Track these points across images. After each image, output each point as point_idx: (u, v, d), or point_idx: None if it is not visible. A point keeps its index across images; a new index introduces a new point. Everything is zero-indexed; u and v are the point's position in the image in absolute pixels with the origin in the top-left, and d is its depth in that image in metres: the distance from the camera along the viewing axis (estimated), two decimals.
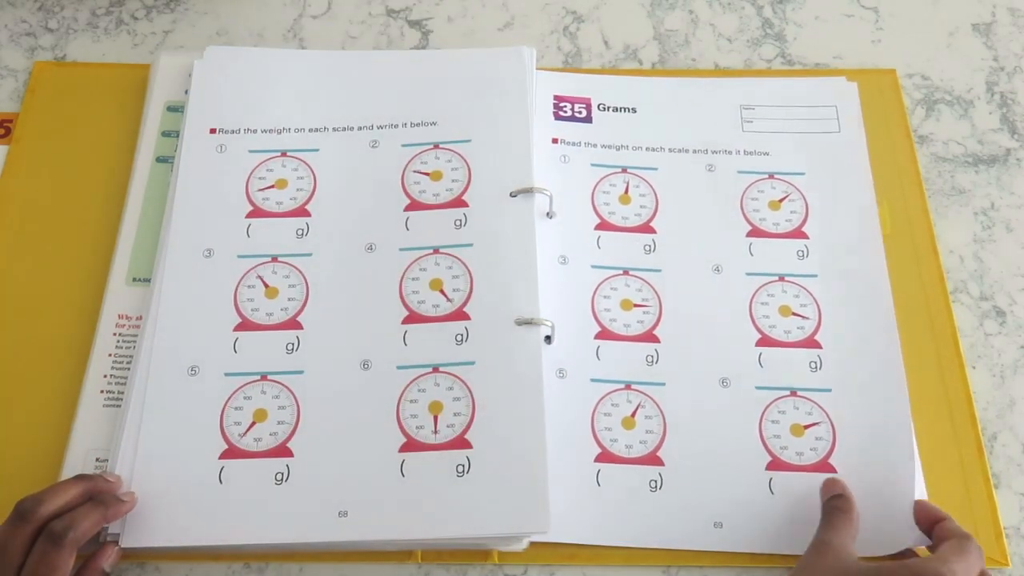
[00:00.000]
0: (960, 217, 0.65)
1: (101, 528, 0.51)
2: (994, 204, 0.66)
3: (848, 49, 0.71)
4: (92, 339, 0.59)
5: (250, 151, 0.64)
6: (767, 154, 0.66)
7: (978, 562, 0.47)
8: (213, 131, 0.64)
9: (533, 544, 0.54)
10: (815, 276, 0.61)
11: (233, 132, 0.64)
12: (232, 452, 0.55)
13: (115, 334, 0.59)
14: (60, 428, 0.56)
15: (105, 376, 0.58)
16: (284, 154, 0.64)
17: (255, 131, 0.65)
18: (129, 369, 0.57)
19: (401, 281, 0.59)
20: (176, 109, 0.66)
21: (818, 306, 0.60)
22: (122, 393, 0.57)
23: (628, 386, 0.58)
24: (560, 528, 0.53)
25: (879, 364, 0.58)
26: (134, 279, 0.61)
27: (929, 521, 0.52)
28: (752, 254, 0.62)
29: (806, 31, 0.72)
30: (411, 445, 0.54)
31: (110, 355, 0.58)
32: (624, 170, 0.65)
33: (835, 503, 0.52)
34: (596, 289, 0.61)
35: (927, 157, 0.67)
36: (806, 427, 0.57)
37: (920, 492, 0.54)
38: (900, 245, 0.63)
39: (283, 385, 0.57)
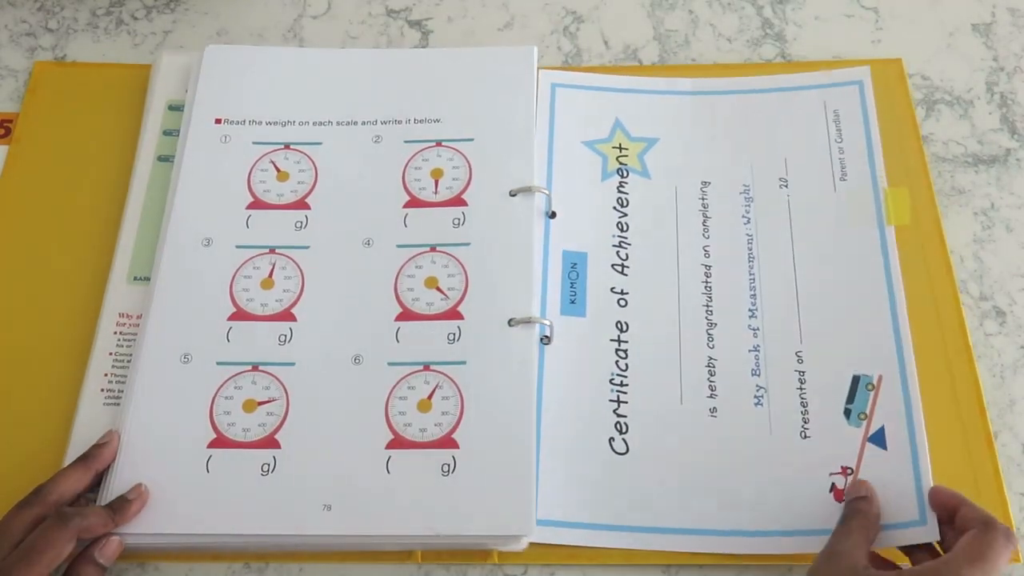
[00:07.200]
0: (960, 217, 0.65)
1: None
2: (994, 204, 0.65)
3: (848, 49, 0.71)
4: (93, 338, 0.59)
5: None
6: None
7: (1003, 551, 0.45)
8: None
9: (533, 544, 0.53)
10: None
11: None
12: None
13: (116, 333, 0.59)
14: (60, 426, 0.56)
15: (105, 375, 0.58)
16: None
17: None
18: (129, 367, 0.57)
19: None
20: (178, 108, 0.66)
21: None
22: (122, 391, 0.57)
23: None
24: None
25: (886, 353, 0.58)
26: (135, 278, 0.61)
27: (946, 509, 0.50)
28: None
29: (806, 31, 0.72)
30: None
31: (110, 354, 0.58)
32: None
33: (857, 504, 0.51)
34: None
35: (927, 157, 0.67)
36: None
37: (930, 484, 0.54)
38: (906, 234, 0.62)
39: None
